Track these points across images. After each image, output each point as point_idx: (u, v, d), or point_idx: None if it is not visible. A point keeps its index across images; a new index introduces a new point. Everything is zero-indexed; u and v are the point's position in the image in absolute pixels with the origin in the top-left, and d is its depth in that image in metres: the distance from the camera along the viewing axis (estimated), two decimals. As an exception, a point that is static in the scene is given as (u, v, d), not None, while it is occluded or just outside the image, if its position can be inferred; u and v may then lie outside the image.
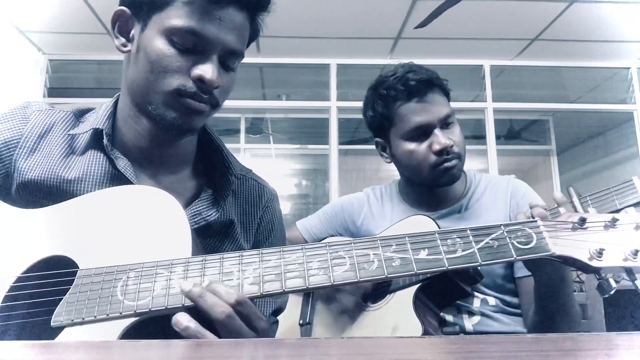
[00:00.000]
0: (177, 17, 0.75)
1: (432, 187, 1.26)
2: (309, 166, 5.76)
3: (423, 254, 0.61)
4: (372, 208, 1.38)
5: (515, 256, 0.61)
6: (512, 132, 5.13)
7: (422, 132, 1.20)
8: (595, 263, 0.61)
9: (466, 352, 0.42)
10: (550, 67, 4.38)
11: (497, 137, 4.30)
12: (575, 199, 1.00)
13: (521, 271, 1.19)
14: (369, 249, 0.62)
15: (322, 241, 1.38)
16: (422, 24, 3.16)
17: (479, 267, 1.15)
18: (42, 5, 3.42)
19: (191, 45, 0.75)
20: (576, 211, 0.98)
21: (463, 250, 0.62)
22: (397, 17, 3.62)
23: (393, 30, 3.81)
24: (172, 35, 0.75)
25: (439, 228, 1.17)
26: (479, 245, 0.62)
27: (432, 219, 1.20)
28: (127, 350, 0.47)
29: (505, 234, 0.63)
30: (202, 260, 0.63)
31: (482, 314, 1.18)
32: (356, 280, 0.60)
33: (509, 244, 0.62)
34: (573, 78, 4.50)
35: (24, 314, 0.63)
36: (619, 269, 0.61)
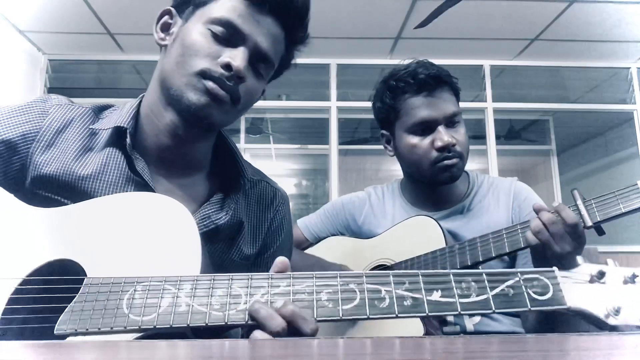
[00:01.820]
0: (218, 10, 0.80)
1: (431, 184, 1.26)
2: (309, 166, 5.76)
3: (436, 295, 0.60)
4: (374, 207, 1.38)
5: (529, 307, 0.60)
6: (512, 132, 5.13)
7: (426, 127, 1.21)
8: (611, 321, 0.60)
9: (466, 352, 0.42)
10: (550, 67, 4.38)
11: (497, 137, 4.30)
12: (579, 202, 1.00)
13: None
14: (381, 284, 0.61)
15: (324, 240, 1.39)
16: (422, 24, 3.16)
17: (479, 268, 1.15)
18: (42, 5, 3.42)
19: (226, 36, 0.79)
20: (580, 213, 0.98)
21: (477, 296, 0.60)
22: (397, 17, 3.62)
23: (393, 30, 3.81)
24: (210, 24, 0.79)
25: (442, 229, 1.16)
26: (494, 292, 0.61)
27: (435, 220, 1.19)
28: (134, 351, 0.46)
29: (522, 282, 0.61)
30: (211, 280, 0.61)
31: (483, 315, 1.18)
32: (366, 317, 0.59)
33: (525, 293, 0.61)
34: (573, 78, 4.50)
35: (27, 318, 0.62)
36: (635, 328, 0.60)
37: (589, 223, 0.98)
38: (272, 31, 0.82)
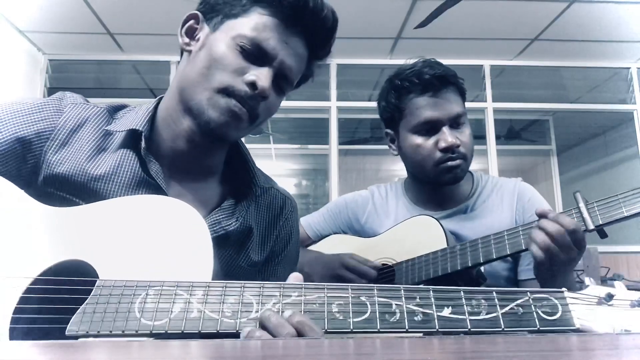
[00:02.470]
0: (248, 27, 0.78)
1: (434, 185, 1.25)
2: (309, 166, 5.76)
3: (446, 312, 0.60)
4: (377, 206, 1.37)
5: (538, 326, 0.60)
6: (512, 132, 5.13)
7: (431, 128, 1.20)
8: None
9: (466, 352, 0.43)
10: (550, 67, 4.38)
11: (497, 137, 4.30)
12: (582, 205, 1.00)
13: (524, 274, 1.19)
14: (392, 298, 0.61)
15: (326, 238, 1.39)
16: (422, 24, 3.16)
17: (481, 270, 1.15)
18: (42, 5, 3.42)
19: (254, 55, 0.78)
20: (582, 216, 0.98)
21: (487, 313, 0.61)
22: (397, 17, 3.62)
23: (393, 30, 3.81)
24: (239, 40, 0.78)
25: (443, 229, 1.16)
26: (504, 310, 0.61)
27: (436, 219, 1.19)
28: (147, 350, 0.47)
29: (531, 301, 0.62)
30: (223, 287, 0.62)
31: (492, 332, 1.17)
32: (376, 331, 0.59)
33: (534, 312, 0.61)
34: (573, 78, 4.50)
35: (38, 317, 0.62)
36: None
37: (591, 226, 0.97)
38: (298, 51, 0.82)
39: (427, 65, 1.22)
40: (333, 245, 1.37)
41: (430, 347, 0.45)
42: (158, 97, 0.88)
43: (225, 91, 0.77)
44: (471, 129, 1.24)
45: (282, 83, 0.83)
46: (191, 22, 0.84)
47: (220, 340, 0.52)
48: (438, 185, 1.25)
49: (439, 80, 1.19)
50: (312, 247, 1.41)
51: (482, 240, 1.08)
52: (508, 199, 1.24)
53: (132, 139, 0.82)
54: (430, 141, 1.20)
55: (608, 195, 0.99)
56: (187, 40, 0.84)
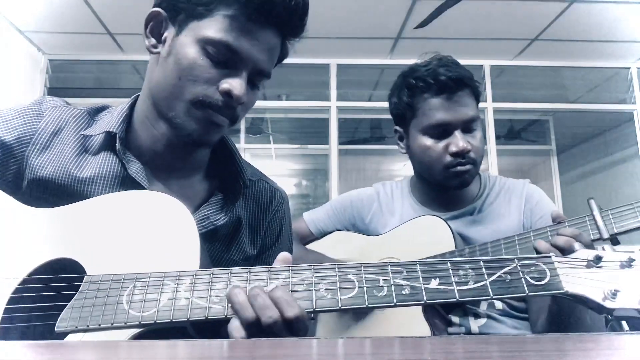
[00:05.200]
0: (215, 29, 0.75)
1: (441, 187, 1.23)
2: (309, 166, 5.76)
3: (434, 283, 0.61)
4: (382, 205, 1.35)
5: (527, 292, 0.60)
6: (512, 132, 5.13)
7: (442, 131, 1.17)
8: (608, 304, 0.60)
9: (466, 352, 0.42)
10: (550, 67, 4.38)
11: (497, 137, 4.30)
12: (596, 213, 0.98)
13: None
14: (378, 274, 0.61)
15: (329, 235, 1.37)
16: (422, 24, 3.16)
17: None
18: (42, 5, 3.42)
19: (224, 59, 0.75)
20: (597, 224, 0.97)
21: (475, 283, 0.61)
22: (397, 17, 3.62)
23: (393, 30, 3.81)
24: (206, 45, 0.75)
25: (450, 229, 1.14)
26: (491, 278, 0.61)
27: (444, 220, 1.17)
28: (134, 350, 0.47)
29: (519, 268, 0.62)
30: (210, 274, 0.62)
31: (488, 317, 1.16)
32: (364, 306, 0.60)
33: (522, 278, 0.61)
34: (573, 78, 4.49)
35: (28, 316, 0.63)
36: (632, 312, 0.60)
37: (606, 235, 0.96)
38: (271, 43, 0.79)
39: (443, 65, 1.18)
40: (337, 242, 1.35)
41: (430, 347, 0.45)
42: (134, 96, 0.87)
43: (202, 103, 0.76)
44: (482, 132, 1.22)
45: (257, 78, 0.81)
46: (154, 21, 0.82)
47: (209, 341, 0.52)
48: (445, 189, 1.23)
49: (455, 82, 1.16)
50: (315, 243, 1.39)
51: (492, 244, 1.06)
52: (516, 202, 1.22)
53: (110, 141, 0.82)
54: (441, 144, 1.17)
55: (623, 204, 0.97)
56: (153, 41, 0.82)
